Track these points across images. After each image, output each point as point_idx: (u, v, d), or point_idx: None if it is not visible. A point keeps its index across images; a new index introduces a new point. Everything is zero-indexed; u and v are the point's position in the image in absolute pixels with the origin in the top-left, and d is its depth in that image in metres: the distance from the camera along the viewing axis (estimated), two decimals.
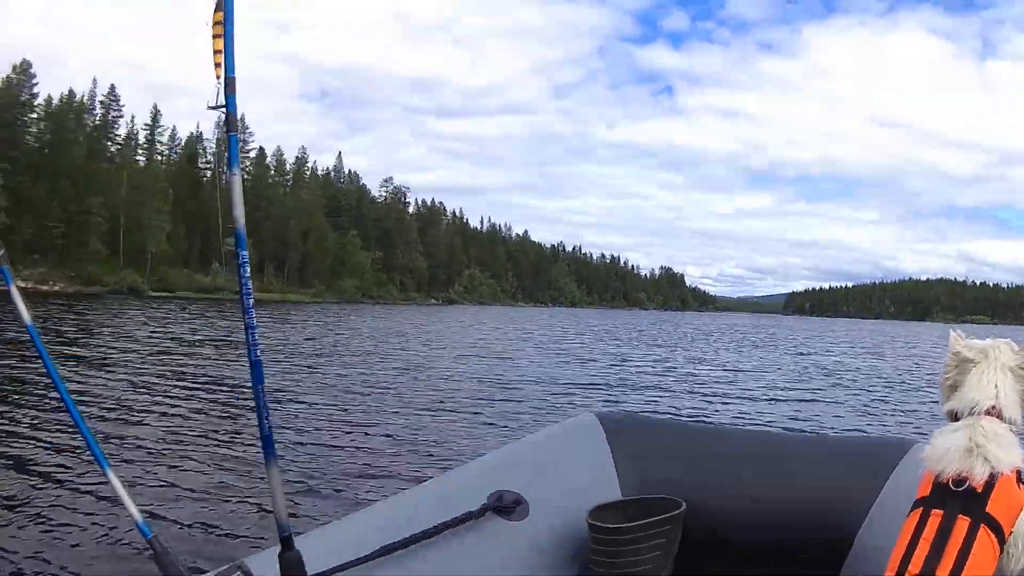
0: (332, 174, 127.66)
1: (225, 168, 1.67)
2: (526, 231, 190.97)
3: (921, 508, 1.83)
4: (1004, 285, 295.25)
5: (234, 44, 1.59)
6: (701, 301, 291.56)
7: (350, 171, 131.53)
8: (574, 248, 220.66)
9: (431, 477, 2.83)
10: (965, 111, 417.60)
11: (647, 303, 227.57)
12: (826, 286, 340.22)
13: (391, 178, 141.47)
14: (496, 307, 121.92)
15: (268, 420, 1.67)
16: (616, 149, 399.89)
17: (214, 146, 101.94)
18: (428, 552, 2.04)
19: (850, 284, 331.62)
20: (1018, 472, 1.83)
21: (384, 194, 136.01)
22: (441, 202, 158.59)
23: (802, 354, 33.31)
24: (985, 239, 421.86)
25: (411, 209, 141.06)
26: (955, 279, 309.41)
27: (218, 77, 1.60)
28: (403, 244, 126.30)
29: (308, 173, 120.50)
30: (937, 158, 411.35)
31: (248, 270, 1.68)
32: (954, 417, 1.95)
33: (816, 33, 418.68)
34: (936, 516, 1.78)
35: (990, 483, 1.77)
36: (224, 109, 1.61)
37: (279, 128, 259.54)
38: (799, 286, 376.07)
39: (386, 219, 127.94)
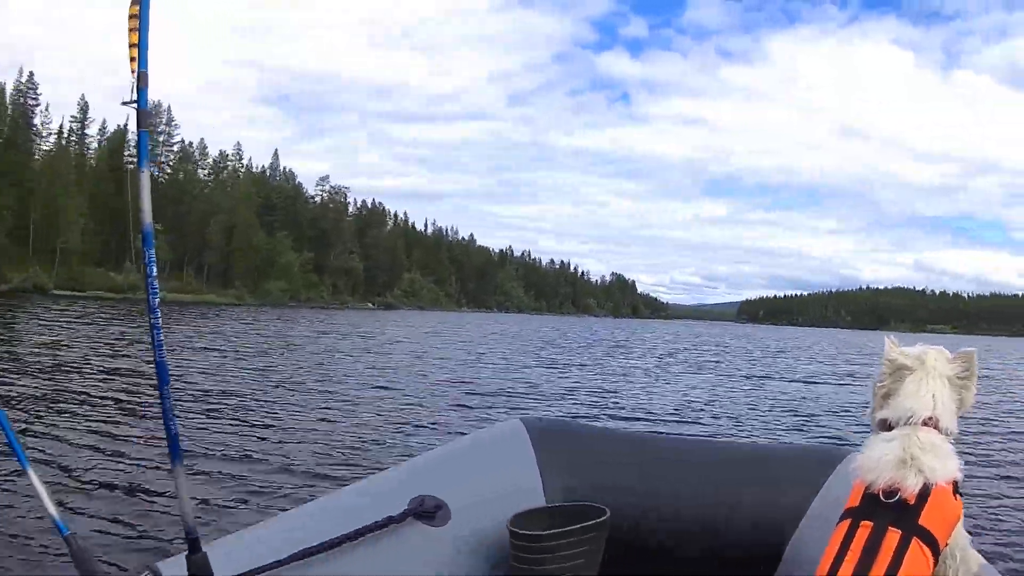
0: (268, 172, 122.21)
1: (136, 164, 1.63)
2: (472, 235, 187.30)
3: (850, 519, 1.79)
4: (965, 295, 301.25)
5: (148, 38, 1.57)
6: (653, 308, 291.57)
7: (286, 169, 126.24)
8: (523, 253, 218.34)
9: (353, 482, 2.75)
10: (929, 122, 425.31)
11: (597, 310, 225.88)
12: (781, 295, 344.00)
13: (327, 176, 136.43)
14: (437, 312, 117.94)
15: (174, 421, 1.67)
16: (574, 156, 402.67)
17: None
18: (347, 556, 2.01)
19: (805, 293, 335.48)
20: (955, 483, 1.81)
21: (321, 193, 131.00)
22: (381, 203, 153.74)
23: (748, 362, 32.88)
24: (945, 249, 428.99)
25: (351, 210, 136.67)
26: (914, 288, 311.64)
27: (132, 71, 1.56)
28: (338, 245, 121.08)
29: (243, 169, 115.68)
30: (900, 168, 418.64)
31: (155, 269, 1.67)
32: (886, 427, 1.90)
33: (778, 42, 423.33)
34: (865, 527, 1.73)
35: (923, 495, 1.73)
36: (136, 104, 1.57)
37: (238, 132, 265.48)
38: (753, 294, 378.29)
39: (322, 219, 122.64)
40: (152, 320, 1.60)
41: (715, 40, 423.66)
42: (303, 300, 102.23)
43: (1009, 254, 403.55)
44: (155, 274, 1.62)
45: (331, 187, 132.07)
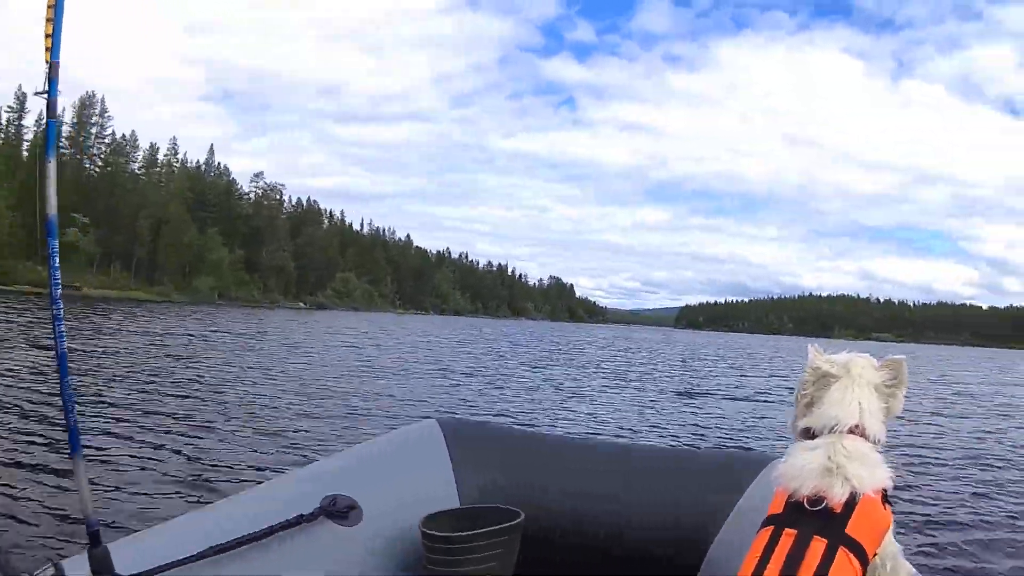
0: (203, 168, 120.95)
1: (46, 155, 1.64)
2: (408, 235, 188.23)
3: (772, 526, 1.74)
4: (911, 303, 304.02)
5: (62, 29, 1.56)
6: (591, 312, 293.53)
7: (220, 165, 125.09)
8: (461, 255, 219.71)
9: (266, 480, 2.70)
10: (877, 131, 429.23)
11: (534, 313, 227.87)
12: (722, 300, 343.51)
13: (261, 173, 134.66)
14: (370, 313, 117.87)
15: (74, 414, 1.67)
16: (515, 160, 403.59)
17: (69, 132, 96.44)
18: (257, 554, 1.99)
19: (747, 299, 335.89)
20: (884, 492, 1.77)
21: (255, 190, 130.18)
22: (316, 201, 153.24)
23: (679, 366, 33.04)
24: (889, 257, 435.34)
25: (286, 208, 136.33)
26: (858, 296, 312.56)
27: (46, 62, 1.56)
28: (271, 243, 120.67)
29: (178, 165, 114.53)
30: (845, 177, 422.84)
31: (57, 260, 1.68)
32: (810, 435, 1.87)
33: (725, 49, 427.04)
34: (789, 535, 1.69)
35: (850, 504, 1.69)
36: (47, 95, 1.57)
37: (183, 129, 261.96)
38: (693, 300, 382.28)
39: (256, 217, 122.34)
40: (54, 311, 1.62)
41: (663, 46, 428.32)
42: (233, 298, 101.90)
43: (955, 264, 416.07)
44: (57, 265, 1.64)
45: (266, 184, 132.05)
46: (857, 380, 1.87)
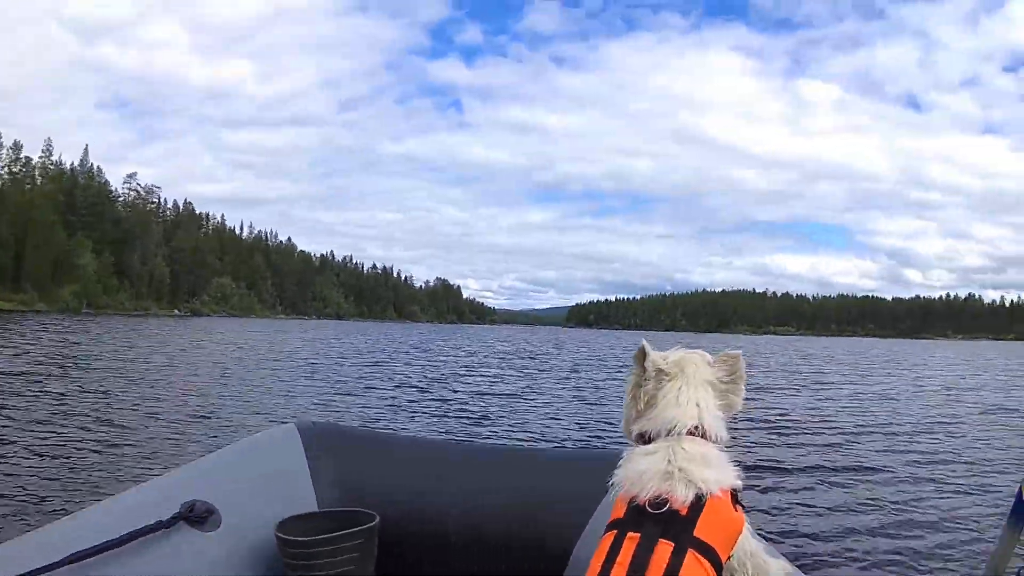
0: (77, 170, 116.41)
1: None
2: (289, 238, 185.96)
3: (615, 531, 1.65)
4: (809, 297, 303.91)
5: None
6: (479, 314, 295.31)
7: (94, 167, 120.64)
8: (345, 259, 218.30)
9: (125, 489, 2.64)
10: (771, 129, 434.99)
11: (420, 316, 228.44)
12: (612, 298, 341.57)
13: (135, 174, 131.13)
14: (248, 319, 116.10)
15: None
16: (402, 163, 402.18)
17: None
18: (117, 561, 1.96)
19: (638, 297, 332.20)
20: (733, 492, 1.70)
21: (128, 192, 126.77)
22: (190, 202, 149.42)
23: (553, 366, 32.80)
24: (784, 253, 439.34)
25: (162, 212, 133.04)
26: (754, 291, 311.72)
27: None
28: (144, 248, 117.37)
29: (51, 167, 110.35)
30: (737, 175, 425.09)
31: None
32: (646, 440, 1.77)
33: (615, 49, 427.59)
34: (632, 539, 1.60)
35: (697, 506, 1.61)
36: None
37: (78, 136, 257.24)
38: (583, 299, 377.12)
39: (127, 220, 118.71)
40: None
41: (551, 47, 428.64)
42: (101, 307, 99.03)
43: (854, 257, 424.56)
44: None
45: (139, 186, 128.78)
46: (692, 379, 1.80)
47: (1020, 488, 2.28)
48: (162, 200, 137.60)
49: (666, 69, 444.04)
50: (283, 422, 3.04)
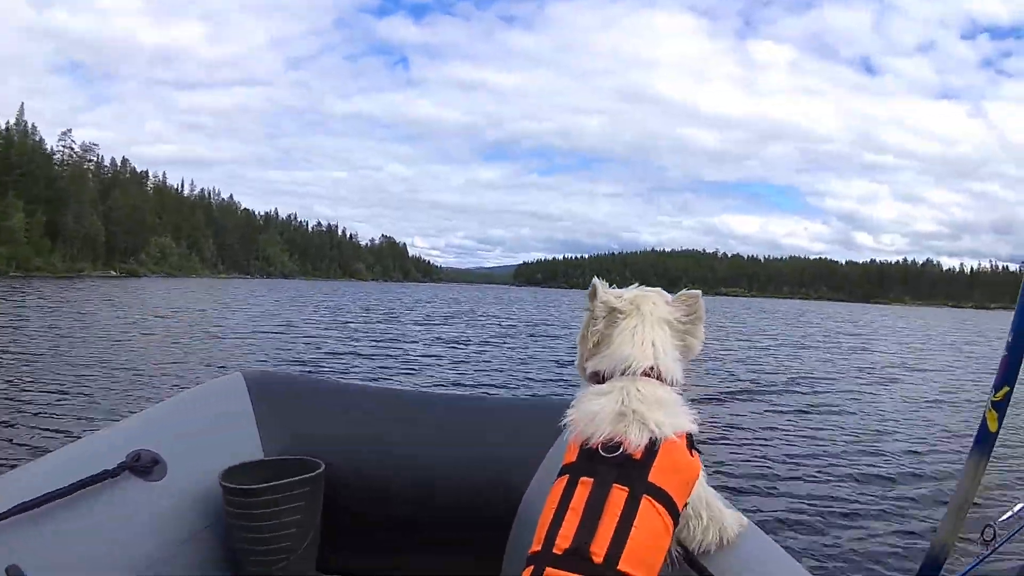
0: (13, 129, 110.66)
1: None
2: (231, 196, 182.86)
3: (568, 475, 1.59)
4: (761, 258, 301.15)
5: None
6: (425, 272, 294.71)
7: (28, 125, 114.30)
8: (290, 216, 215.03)
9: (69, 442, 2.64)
10: (720, 89, 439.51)
11: (366, 274, 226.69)
12: (560, 257, 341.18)
13: (69, 131, 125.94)
14: (188, 279, 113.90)
15: None
16: (350, 121, 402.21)
17: None
18: (62, 512, 1.94)
19: (585, 255, 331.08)
20: (688, 437, 1.63)
21: (62, 149, 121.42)
22: (128, 160, 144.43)
23: (502, 322, 33.75)
24: (734, 213, 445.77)
25: (102, 170, 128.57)
26: (704, 251, 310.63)
27: None
28: (76, 207, 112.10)
29: None
30: (687, 134, 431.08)
31: None
32: (599, 379, 1.70)
33: (563, 8, 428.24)
34: (585, 484, 1.53)
35: (652, 450, 1.55)
36: None
37: (31, 103, 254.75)
38: (531, 257, 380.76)
39: (61, 178, 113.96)
40: None
41: (499, 6, 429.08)
42: (31, 269, 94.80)
43: (804, 219, 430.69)
44: None
45: (79, 144, 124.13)
46: (648, 317, 1.73)
47: (984, 417, 2.27)
48: (100, 158, 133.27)
49: (616, 28, 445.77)
50: (230, 372, 2.96)
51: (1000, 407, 2.33)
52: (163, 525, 2.17)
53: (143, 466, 2.21)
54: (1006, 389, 2.33)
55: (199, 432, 2.51)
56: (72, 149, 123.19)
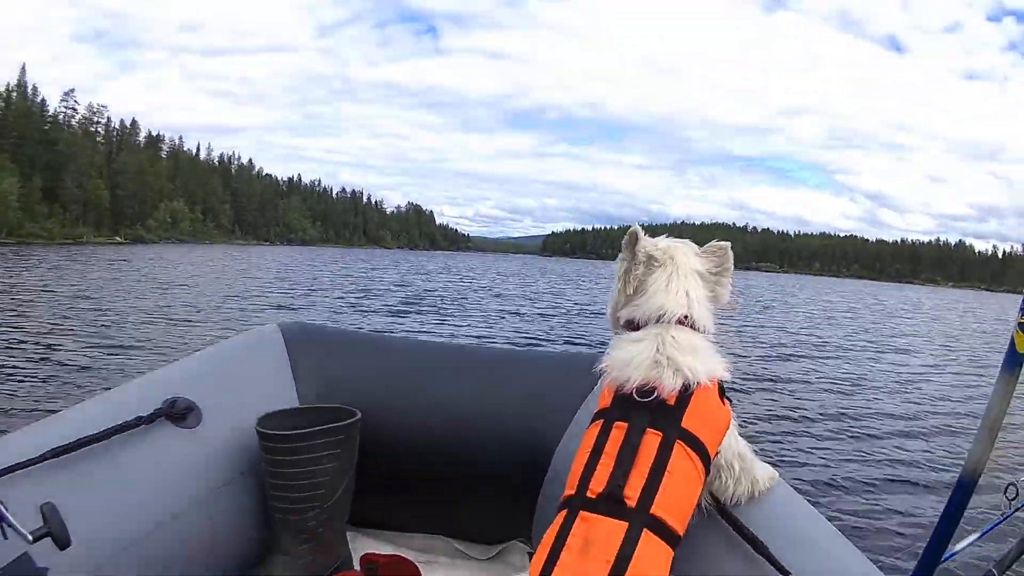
0: (13, 92, 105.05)
1: None
2: (251, 160, 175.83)
3: (602, 420, 1.61)
4: (792, 234, 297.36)
5: None
6: (453, 240, 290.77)
7: (30, 86, 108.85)
8: (313, 182, 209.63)
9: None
10: (748, 62, 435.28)
11: (390, 242, 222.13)
12: (589, 227, 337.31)
13: (73, 90, 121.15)
14: (201, 246, 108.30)
15: None
16: (377, 89, 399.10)
17: None
18: (97, 456, 1.98)
19: (614, 227, 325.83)
20: (720, 386, 1.67)
21: (65, 111, 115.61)
22: (136, 121, 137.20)
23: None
24: (761, 187, 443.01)
25: (114, 133, 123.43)
26: (734, 224, 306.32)
27: None
28: (76, 170, 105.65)
29: None
30: (714, 107, 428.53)
31: None
32: (633, 327, 1.72)
33: None
34: (620, 428, 1.56)
35: (685, 396, 1.58)
36: None
37: (54, 71, 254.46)
38: (559, 227, 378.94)
39: (62, 141, 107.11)
40: None
41: None
42: (22, 235, 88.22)
43: (832, 196, 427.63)
44: None
45: (75, 103, 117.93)
46: (682, 267, 1.73)
47: (1012, 337, 2.28)
48: (108, 121, 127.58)
49: None
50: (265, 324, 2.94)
51: None
52: (197, 472, 2.20)
53: (178, 413, 2.24)
54: None
55: (235, 381, 2.54)
56: (75, 110, 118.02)
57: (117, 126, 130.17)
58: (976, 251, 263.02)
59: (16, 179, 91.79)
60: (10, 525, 1.44)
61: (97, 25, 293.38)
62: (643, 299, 1.71)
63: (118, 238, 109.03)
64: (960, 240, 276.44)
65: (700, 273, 1.75)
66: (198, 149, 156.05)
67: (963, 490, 2.28)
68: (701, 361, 1.62)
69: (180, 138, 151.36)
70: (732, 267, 1.80)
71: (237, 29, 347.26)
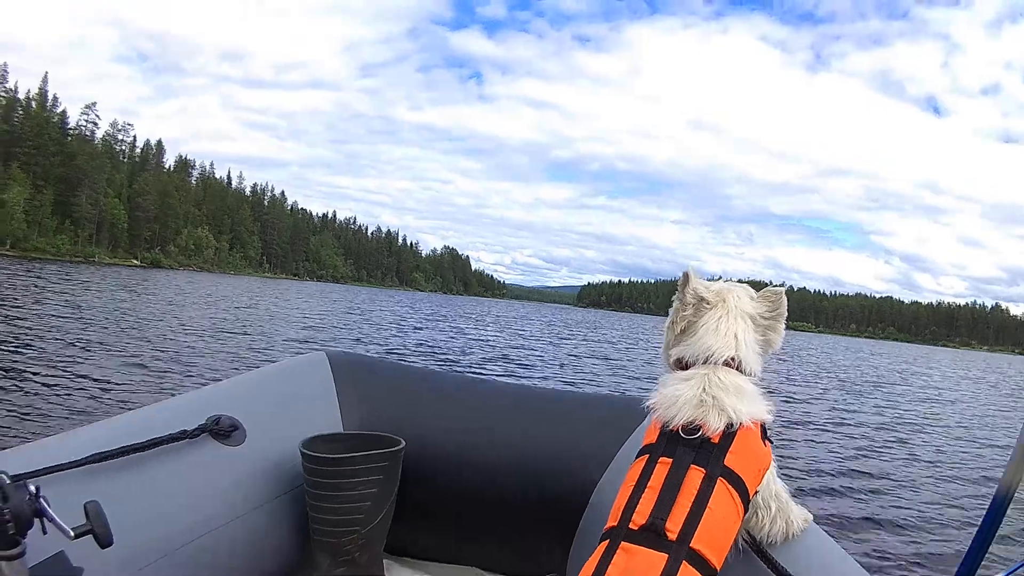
0: (33, 99, 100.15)
1: None
2: (283, 192, 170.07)
3: (647, 455, 1.65)
4: (827, 294, 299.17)
5: None
6: (488, 287, 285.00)
7: (50, 96, 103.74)
8: (348, 220, 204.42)
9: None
10: (789, 121, 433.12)
11: (424, 284, 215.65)
12: (625, 280, 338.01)
13: (94, 104, 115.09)
14: (224, 276, 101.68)
15: None
16: (419, 132, 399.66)
17: None
18: (139, 466, 2.01)
19: (651, 280, 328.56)
20: (763, 427, 1.71)
21: (86, 124, 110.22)
22: (161, 142, 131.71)
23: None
24: (797, 247, 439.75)
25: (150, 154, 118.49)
26: (770, 282, 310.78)
27: None
28: (91, 187, 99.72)
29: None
30: (753, 165, 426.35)
31: None
32: (682, 366, 1.77)
33: (638, 31, 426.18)
34: (664, 464, 1.60)
35: (728, 435, 1.62)
36: None
37: (94, 89, 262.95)
38: (595, 279, 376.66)
39: (80, 155, 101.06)
40: None
41: (574, 25, 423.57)
42: (29, 250, 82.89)
43: (867, 257, 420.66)
44: None
45: (95, 117, 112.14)
46: (733, 310, 1.76)
47: None
48: (134, 140, 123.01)
49: (687, 54, 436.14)
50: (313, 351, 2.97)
51: None
52: (238, 489, 2.21)
53: (222, 430, 2.26)
54: None
55: (280, 404, 2.56)
56: (96, 124, 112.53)
57: (142, 146, 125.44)
58: (1012, 314, 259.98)
59: (25, 189, 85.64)
60: (51, 520, 1.44)
61: (139, 48, 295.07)
62: (693, 339, 1.74)
63: (135, 261, 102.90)
64: (996, 303, 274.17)
65: (752, 317, 1.77)
66: (229, 177, 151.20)
67: (998, 506, 2.27)
68: (745, 403, 1.64)
69: (211, 164, 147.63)
70: (785, 312, 1.81)
71: (280, 63, 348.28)
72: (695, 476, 1.55)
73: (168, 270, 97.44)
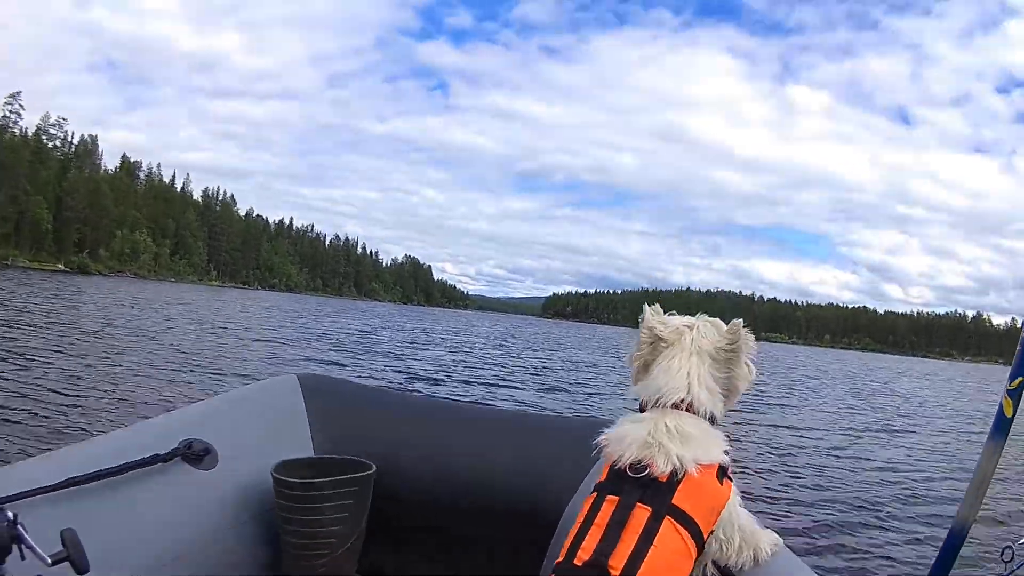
0: None
1: None
2: (232, 196, 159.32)
3: (596, 493, 1.66)
4: (799, 303, 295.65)
5: None
6: (450, 297, 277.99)
7: None
8: (303, 227, 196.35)
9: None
10: (756, 132, 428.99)
11: (383, 294, 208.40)
12: (591, 291, 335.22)
13: (18, 93, 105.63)
14: (162, 284, 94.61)
15: None
16: (385, 143, 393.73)
17: None
18: (112, 490, 2.01)
19: (616, 291, 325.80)
20: (720, 466, 1.68)
21: (10, 114, 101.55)
22: (95, 136, 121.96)
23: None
24: (763, 258, 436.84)
25: (65, 148, 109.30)
26: (740, 293, 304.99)
27: None
28: (10, 185, 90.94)
29: None
30: (720, 176, 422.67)
31: None
32: (640, 407, 1.76)
33: (605, 42, 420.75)
34: (611, 502, 1.61)
35: (676, 475, 1.60)
36: None
37: (65, 100, 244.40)
38: (560, 290, 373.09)
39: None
40: None
41: (541, 36, 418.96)
42: None
43: (834, 268, 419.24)
44: None
45: (18, 109, 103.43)
46: (687, 347, 1.73)
47: (1000, 405, 2.46)
48: (68, 135, 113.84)
49: (655, 66, 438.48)
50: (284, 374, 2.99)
51: (1015, 395, 2.59)
52: (210, 512, 2.23)
53: (194, 454, 2.27)
54: (1020, 379, 2.57)
55: (251, 427, 2.58)
56: (18, 115, 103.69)
57: (77, 142, 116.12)
58: (994, 324, 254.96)
59: None
60: (29, 547, 1.43)
61: (109, 56, 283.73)
62: (649, 380, 1.72)
63: (59, 265, 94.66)
64: (977, 313, 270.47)
65: (711, 353, 1.72)
66: (173, 178, 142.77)
67: (954, 539, 2.39)
68: (691, 449, 1.60)
69: (158, 166, 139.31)
70: (749, 347, 1.74)
71: (247, 73, 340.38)
72: (641, 514, 1.54)
73: (96, 276, 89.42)
